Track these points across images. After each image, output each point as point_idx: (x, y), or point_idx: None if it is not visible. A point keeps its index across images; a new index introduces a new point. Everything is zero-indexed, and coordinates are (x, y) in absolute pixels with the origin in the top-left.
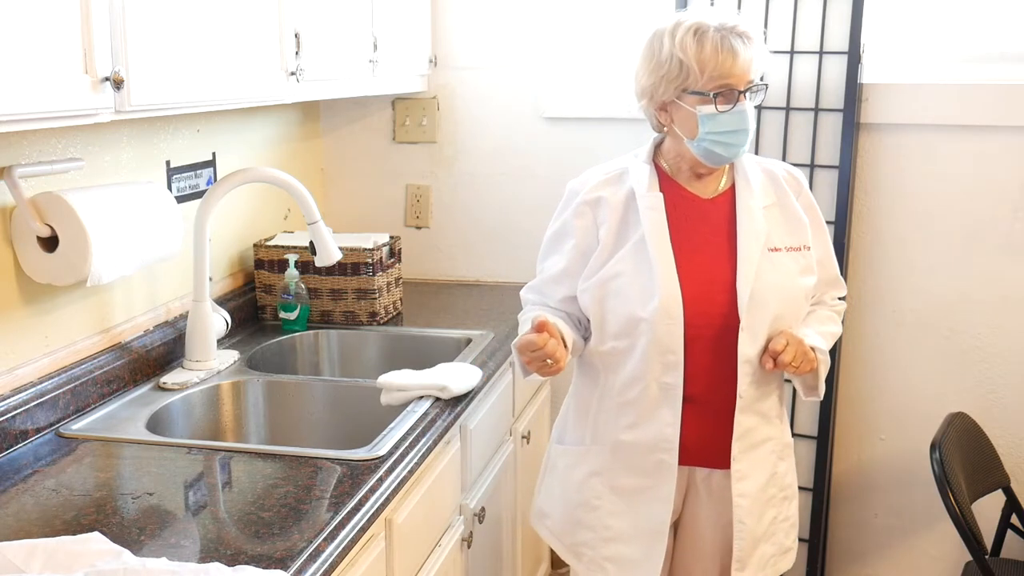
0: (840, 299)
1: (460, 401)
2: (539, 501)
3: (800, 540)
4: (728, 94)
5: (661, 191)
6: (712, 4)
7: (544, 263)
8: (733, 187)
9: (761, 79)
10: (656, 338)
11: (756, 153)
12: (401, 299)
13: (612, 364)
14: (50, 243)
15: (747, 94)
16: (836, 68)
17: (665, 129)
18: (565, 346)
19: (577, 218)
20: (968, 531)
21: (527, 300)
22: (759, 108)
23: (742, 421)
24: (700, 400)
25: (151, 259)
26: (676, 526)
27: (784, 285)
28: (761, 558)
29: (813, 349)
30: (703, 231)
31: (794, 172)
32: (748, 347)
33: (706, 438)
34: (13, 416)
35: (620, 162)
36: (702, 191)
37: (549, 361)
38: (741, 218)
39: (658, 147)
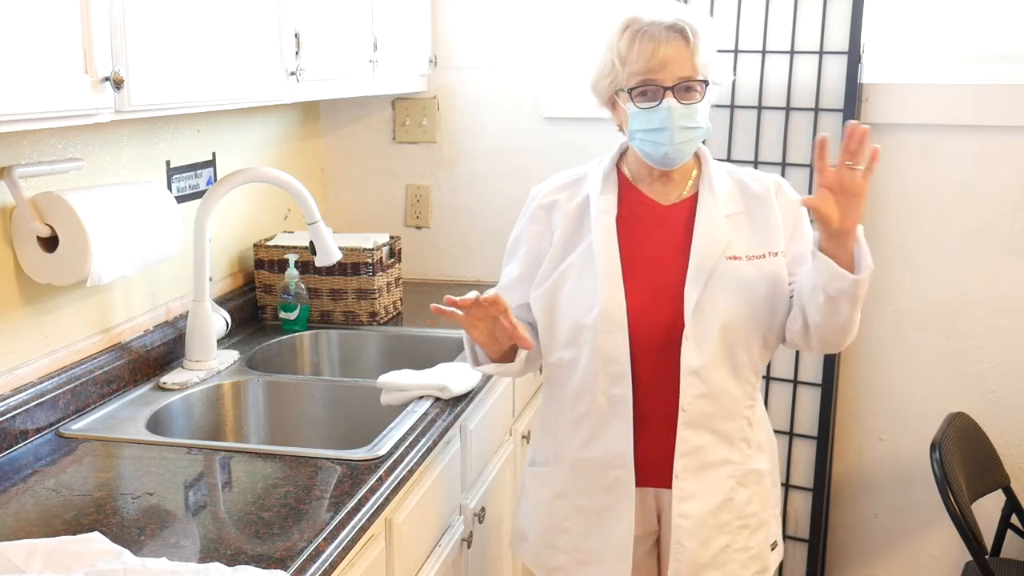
0: None
1: (460, 401)
2: (517, 525)
3: (800, 540)
4: (653, 91)
5: (619, 196)
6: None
7: (504, 270)
8: (697, 194)
9: (704, 77)
10: (599, 346)
11: (756, 153)
12: (401, 299)
13: (561, 377)
14: (50, 243)
15: (675, 92)
16: (836, 68)
17: (619, 128)
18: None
19: (532, 223)
20: (968, 531)
21: None
22: (759, 108)
23: (688, 437)
24: (652, 416)
25: (151, 259)
26: (658, 546)
27: (737, 293)
28: None
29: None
30: (657, 238)
31: (774, 177)
32: (692, 357)
33: (660, 456)
34: (13, 416)
35: (583, 168)
36: (663, 197)
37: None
38: (698, 225)
39: (624, 153)
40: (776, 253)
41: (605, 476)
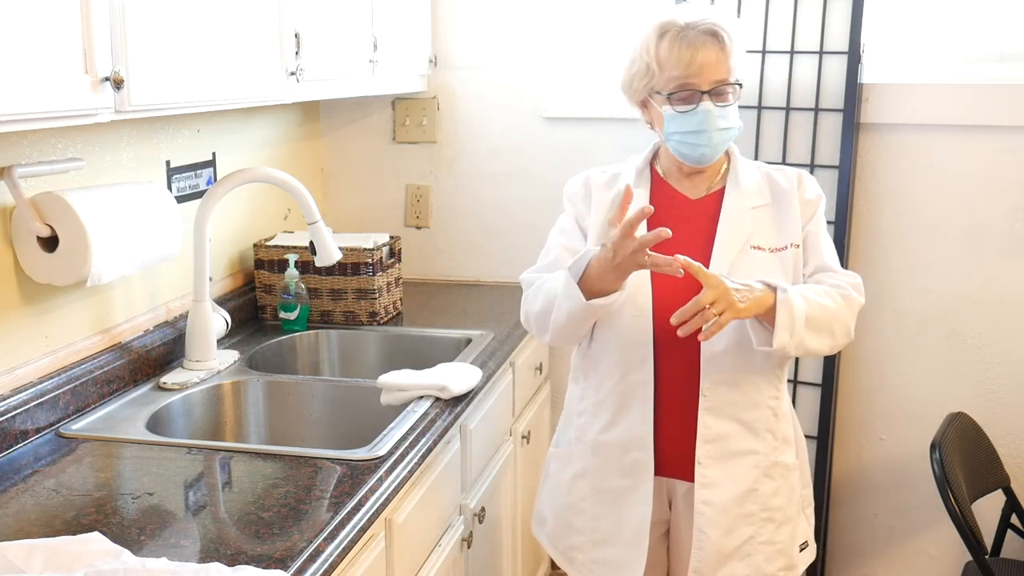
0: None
1: (460, 401)
2: (538, 508)
3: None
4: (690, 95)
5: (651, 191)
6: (712, 3)
7: (543, 252)
8: (724, 188)
9: (736, 79)
10: (624, 332)
11: (756, 154)
12: (401, 299)
13: (589, 361)
14: (50, 243)
15: (711, 95)
16: (836, 68)
17: (650, 126)
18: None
19: (567, 215)
20: (968, 531)
21: (528, 281)
22: (759, 108)
23: (710, 424)
24: (674, 402)
25: (151, 259)
26: (668, 536)
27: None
28: None
29: (750, 289)
30: (685, 230)
31: (797, 171)
32: (711, 343)
33: (680, 444)
34: (13, 416)
35: (619, 165)
36: (692, 192)
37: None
38: (723, 216)
39: (658, 151)
40: (797, 245)
41: (624, 459)
